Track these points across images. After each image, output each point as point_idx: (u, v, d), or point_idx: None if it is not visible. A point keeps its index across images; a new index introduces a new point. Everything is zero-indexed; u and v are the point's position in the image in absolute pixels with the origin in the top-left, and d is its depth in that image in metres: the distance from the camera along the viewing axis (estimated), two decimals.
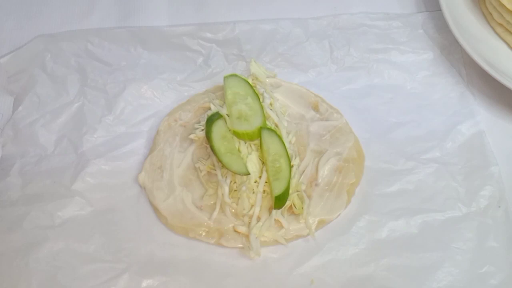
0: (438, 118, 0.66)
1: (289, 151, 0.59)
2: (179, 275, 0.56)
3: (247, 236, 0.57)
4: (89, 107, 0.66)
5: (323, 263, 0.57)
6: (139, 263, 0.57)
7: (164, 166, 0.61)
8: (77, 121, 0.65)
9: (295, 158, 0.60)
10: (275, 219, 0.57)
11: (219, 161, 0.57)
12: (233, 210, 0.58)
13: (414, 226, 0.59)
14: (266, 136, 0.59)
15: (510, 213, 0.59)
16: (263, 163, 0.59)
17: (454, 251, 0.57)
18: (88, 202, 0.60)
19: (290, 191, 0.57)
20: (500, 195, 0.60)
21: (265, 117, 0.60)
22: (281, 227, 0.58)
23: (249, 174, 0.57)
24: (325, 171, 0.60)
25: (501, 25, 0.69)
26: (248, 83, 0.62)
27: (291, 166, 0.58)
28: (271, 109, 0.62)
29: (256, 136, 0.59)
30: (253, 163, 0.58)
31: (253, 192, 0.58)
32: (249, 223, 0.57)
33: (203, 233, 0.58)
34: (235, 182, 0.58)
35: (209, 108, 0.62)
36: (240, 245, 0.57)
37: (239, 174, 0.57)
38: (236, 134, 0.59)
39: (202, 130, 0.61)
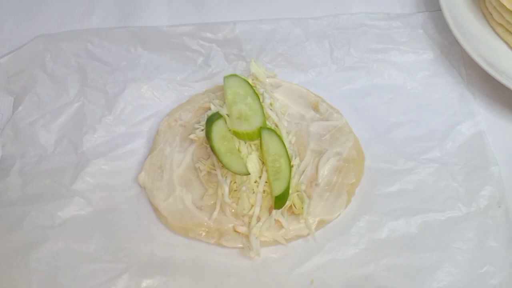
0: (438, 118, 0.66)
1: (289, 151, 0.59)
2: (179, 275, 0.56)
3: (247, 236, 0.57)
4: (89, 107, 0.66)
5: (323, 263, 0.57)
6: (139, 263, 0.57)
7: (164, 166, 0.61)
8: (77, 121, 0.65)
9: (295, 158, 0.60)
10: (275, 219, 0.57)
11: (219, 161, 0.57)
12: (233, 210, 0.58)
13: (414, 226, 0.59)
14: (266, 136, 0.59)
15: (510, 213, 0.59)
16: (263, 163, 0.59)
17: (454, 251, 0.57)
18: (88, 202, 0.60)
19: (290, 191, 0.57)
20: (500, 195, 0.60)
21: (265, 117, 0.60)
22: (281, 227, 0.58)
23: (249, 174, 0.57)
24: (325, 171, 0.60)
25: (501, 25, 0.69)
26: (248, 83, 0.62)
27: (291, 166, 0.58)
28: (271, 109, 0.62)
29: (256, 136, 0.59)
30: (253, 163, 0.58)
31: (253, 192, 0.58)
32: (249, 223, 0.57)
33: (203, 233, 0.58)
34: (235, 182, 0.58)
35: (209, 108, 0.62)
36: (240, 245, 0.57)
37: (239, 174, 0.57)
38: (236, 134, 0.59)
39: (202, 130, 0.61)
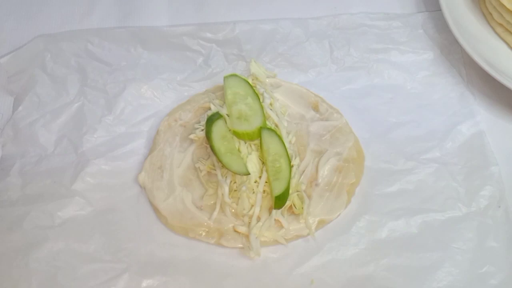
0: (438, 118, 0.66)
1: (289, 151, 0.59)
2: (179, 275, 0.56)
3: (247, 236, 0.57)
4: (89, 107, 0.66)
5: (323, 263, 0.57)
6: (139, 263, 0.57)
7: (164, 166, 0.61)
8: (77, 121, 0.65)
9: (295, 158, 0.60)
10: (275, 219, 0.57)
11: (219, 161, 0.57)
12: (233, 210, 0.58)
13: (414, 226, 0.59)
14: (266, 136, 0.59)
15: (510, 213, 0.59)
16: (263, 163, 0.59)
17: (454, 251, 0.57)
18: (88, 202, 0.60)
19: (290, 191, 0.57)
20: (500, 195, 0.60)
21: (265, 117, 0.60)
22: (281, 227, 0.58)
23: (249, 174, 0.57)
24: (325, 171, 0.60)
25: (501, 25, 0.69)
26: (248, 83, 0.62)
27: (291, 166, 0.58)
28: (271, 109, 0.62)
29: (256, 136, 0.59)
30: (253, 163, 0.58)
31: (253, 192, 0.58)
32: (249, 223, 0.57)
33: (203, 233, 0.58)
34: (235, 182, 0.58)
35: (209, 108, 0.62)
36: (240, 245, 0.57)
37: (239, 174, 0.57)
38: (236, 134, 0.59)
39: (202, 130, 0.61)
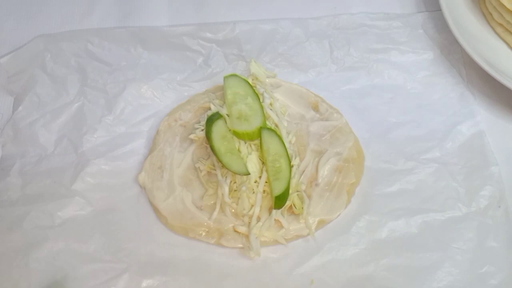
0: (438, 118, 0.66)
1: (289, 151, 0.59)
2: (179, 275, 0.56)
3: (247, 236, 0.57)
4: (89, 107, 0.66)
5: (323, 263, 0.57)
6: (139, 263, 0.57)
7: (164, 166, 0.61)
8: (77, 121, 0.65)
9: (295, 158, 0.60)
10: (275, 219, 0.57)
11: (219, 161, 0.57)
12: (233, 210, 0.58)
13: (414, 226, 0.59)
14: (266, 136, 0.59)
15: (510, 213, 0.59)
16: (263, 163, 0.59)
17: (454, 251, 0.57)
18: (88, 202, 0.60)
19: (290, 191, 0.57)
20: (500, 195, 0.60)
21: (265, 117, 0.60)
22: (281, 227, 0.58)
23: (249, 174, 0.57)
24: (325, 171, 0.60)
25: (501, 25, 0.69)
26: (248, 83, 0.62)
27: (291, 166, 0.58)
28: (271, 109, 0.62)
29: (256, 136, 0.59)
30: (253, 163, 0.58)
31: (253, 192, 0.58)
32: (249, 223, 0.57)
33: (203, 233, 0.58)
34: (235, 182, 0.58)
35: (209, 108, 0.62)
36: (240, 245, 0.57)
37: (239, 174, 0.57)
38: (236, 134, 0.59)
39: (202, 130, 0.61)
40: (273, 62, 0.70)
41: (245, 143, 0.60)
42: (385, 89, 0.68)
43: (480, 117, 0.66)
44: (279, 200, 0.56)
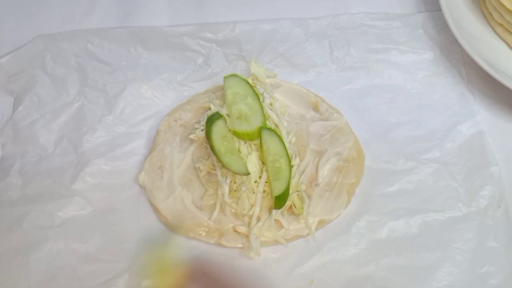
0: (438, 118, 0.66)
1: (289, 151, 0.59)
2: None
3: (247, 236, 0.57)
4: (89, 107, 0.66)
5: (323, 263, 0.57)
6: (139, 263, 0.57)
7: (164, 166, 0.61)
8: (77, 121, 0.65)
9: (295, 158, 0.60)
10: (275, 219, 0.57)
11: (219, 161, 0.57)
12: (233, 210, 0.58)
13: (414, 226, 0.59)
14: (266, 136, 0.59)
15: (510, 213, 0.59)
16: (263, 163, 0.59)
17: (454, 251, 0.57)
18: (88, 202, 0.60)
19: (290, 191, 0.57)
20: (500, 195, 0.60)
21: (265, 117, 0.60)
22: (281, 227, 0.58)
23: (249, 174, 0.57)
24: (325, 171, 0.60)
25: (501, 25, 0.69)
26: (248, 83, 0.62)
27: (291, 166, 0.58)
28: (271, 109, 0.62)
29: (256, 136, 0.59)
30: (253, 163, 0.58)
31: (253, 192, 0.58)
32: (249, 223, 0.57)
33: (203, 233, 0.58)
34: (235, 182, 0.58)
35: (209, 108, 0.62)
36: (240, 245, 0.57)
37: (239, 174, 0.57)
38: (236, 134, 0.59)
39: (202, 130, 0.61)
40: (273, 62, 0.70)
41: (245, 143, 0.60)
42: (385, 89, 0.68)
43: (480, 117, 0.66)
44: (279, 200, 0.56)
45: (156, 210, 0.59)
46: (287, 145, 0.59)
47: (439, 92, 0.68)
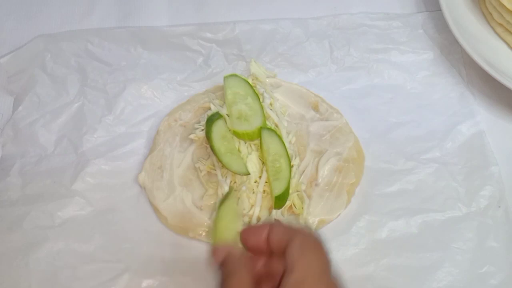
0: (438, 118, 0.66)
1: (289, 151, 0.59)
2: (179, 275, 0.56)
3: None
4: (89, 107, 0.66)
5: None
6: (139, 263, 0.57)
7: (164, 166, 0.61)
8: (77, 121, 0.65)
9: (295, 158, 0.60)
10: (275, 219, 0.57)
11: (219, 161, 0.57)
12: None
13: (414, 226, 0.59)
14: (266, 136, 0.59)
15: (510, 213, 0.59)
16: (263, 163, 0.59)
17: (454, 251, 0.57)
18: (88, 202, 0.60)
19: (290, 191, 0.57)
20: (500, 195, 0.60)
21: (265, 117, 0.60)
22: None
23: (249, 174, 0.57)
24: (325, 171, 0.60)
25: (501, 25, 0.69)
26: (248, 83, 0.62)
27: (291, 166, 0.58)
28: (271, 109, 0.62)
29: (256, 136, 0.59)
30: (253, 163, 0.58)
31: (253, 192, 0.58)
32: (249, 223, 0.57)
33: (203, 233, 0.58)
34: (235, 182, 0.58)
35: (209, 108, 0.62)
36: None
37: (239, 174, 0.57)
38: (236, 134, 0.59)
39: (202, 130, 0.61)
40: (273, 62, 0.70)
41: (245, 143, 0.60)
42: (385, 89, 0.68)
43: (480, 117, 0.66)
44: (279, 200, 0.56)
45: (156, 210, 0.59)
46: (287, 145, 0.59)
47: (439, 92, 0.68)
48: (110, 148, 0.63)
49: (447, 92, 0.68)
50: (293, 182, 0.58)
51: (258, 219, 0.57)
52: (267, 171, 0.58)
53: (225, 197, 0.49)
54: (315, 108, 0.65)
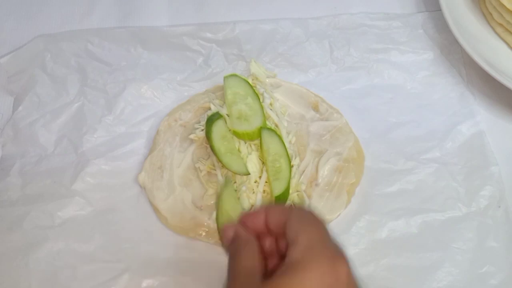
0: (438, 118, 0.66)
1: (289, 151, 0.59)
2: (179, 275, 0.56)
3: None
4: (89, 107, 0.66)
5: None
6: (139, 263, 0.57)
7: (164, 166, 0.61)
8: (77, 121, 0.65)
9: (295, 158, 0.60)
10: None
11: (219, 161, 0.57)
12: None
13: (414, 226, 0.59)
14: (266, 136, 0.59)
15: (510, 213, 0.59)
16: (263, 163, 0.59)
17: (454, 251, 0.57)
18: (88, 202, 0.60)
19: (290, 191, 0.57)
20: (500, 195, 0.60)
21: (265, 117, 0.60)
22: None
23: (249, 174, 0.57)
24: (325, 171, 0.60)
25: (501, 25, 0.69)
26: (248, 83, 0.62)
27: (291, 166, 0.58)
28: (271, 109, 0.62)
29: (256, 136, 0.59)
30: (253, 163, 0.58)
31: (253, 192, 0.58)
32: None
33: (203, 233, 0.58)
34: (235, 182, 0.58)
35: (209, 108, 0.62)
36: None
37: (239, 174, 0.57)
38: (236, 134, 0.59)
39: (202, 130, 0.61)
40: (273, 62, 0.70)
41: (245, 143, 0.60)
42: (385, 89, 0.68)
43: (480, 117, 0.66)
44: (279, 200, 0.56)
45: (156, 210, 0.59)
46: (287, 145, 0.59)
47: (439, 92, 0.68)
48: (110, 148, 0.63)
49: (447, 92, 0.68)
50: (293, 182, 0.58)
51: None
52: (267, 171, 0.58)
53: (223, 185, 0.52)
54: (315, 108, 0.65)
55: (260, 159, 0.59)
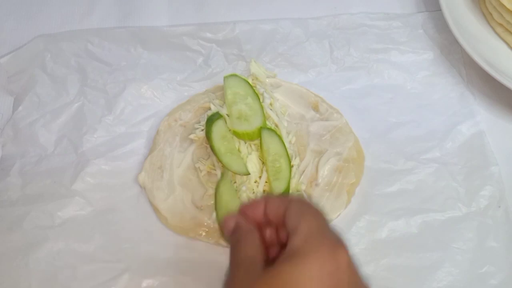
0: (438, 118, 0.66)
1: (289, 151, 0.59)
2: (179, 275, 0.56)
3: None
4: (89, 107, 0.66)
5: None
6: (139, 263, 0.57)
7: (164, 166, 0.61)
8: (77, 121, 0.65)
9: (295, 158, 0.60)
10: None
11: (219, 161, 0.57)
12: None
13: (414, 226, 0.59)
14: (266, 136, 0.59)
15: (510, 213, 0.59)
16: (263, 163, 0.59)
17: (454, 251, 0.57)
18: (88, 202, 0.60)
19: (290, 191, 0.57)
20: (500, 195, 0.60)
21: (265, 117, 0.60)
22: None
23: (249, 174, 0.57)
24: (325, 171, 0.60)
25: (501, 25, 0.69)
26: (248, 83, 0.62)
27: (291, 166, 0.58)
28: (271, 109, 0.62)
29: (256, 136, 0.59)
30: (253, 163, 0.58)
31: (253, 192, 0.58)
32: None
33: (203, 233, 0.58)
34: (235, 182, 0.58)
35: (209, 108, 0.62)
36: None
37: (239, 174, 0.57)
38: (236, 134, 0.59)
39: (202, 130, 0.61)
40: (273, 62, 0.70)
41: (245, 143, 0.60)
42: (385, 89, 0.68)
43: (480, 117, 0.66)
44: None
45: (156, 210, 0.59)
46: (287, 145, 0.59)
47: (439, 92, 0.68)
48: (110, 148, 0.63)
49: (447, 92, 0.68)
50: (293, 182, 0.58)
51: None
52: (267, 171, 0.58)
53: (220, 178, 0.54)
54: (315, 108, 0.65)
55: (260, 159, 0.59)
